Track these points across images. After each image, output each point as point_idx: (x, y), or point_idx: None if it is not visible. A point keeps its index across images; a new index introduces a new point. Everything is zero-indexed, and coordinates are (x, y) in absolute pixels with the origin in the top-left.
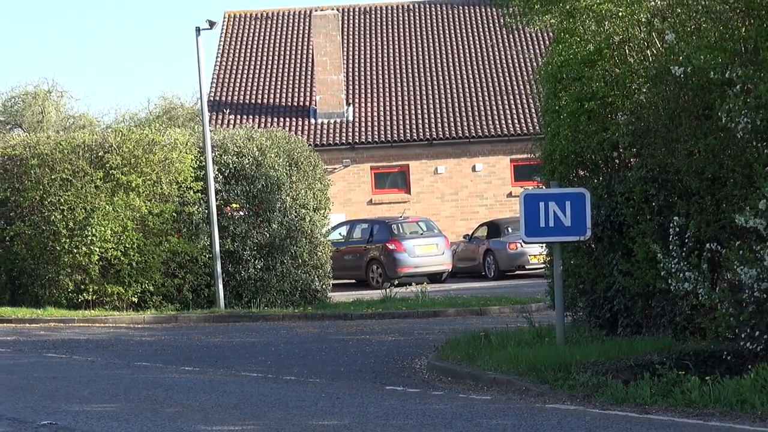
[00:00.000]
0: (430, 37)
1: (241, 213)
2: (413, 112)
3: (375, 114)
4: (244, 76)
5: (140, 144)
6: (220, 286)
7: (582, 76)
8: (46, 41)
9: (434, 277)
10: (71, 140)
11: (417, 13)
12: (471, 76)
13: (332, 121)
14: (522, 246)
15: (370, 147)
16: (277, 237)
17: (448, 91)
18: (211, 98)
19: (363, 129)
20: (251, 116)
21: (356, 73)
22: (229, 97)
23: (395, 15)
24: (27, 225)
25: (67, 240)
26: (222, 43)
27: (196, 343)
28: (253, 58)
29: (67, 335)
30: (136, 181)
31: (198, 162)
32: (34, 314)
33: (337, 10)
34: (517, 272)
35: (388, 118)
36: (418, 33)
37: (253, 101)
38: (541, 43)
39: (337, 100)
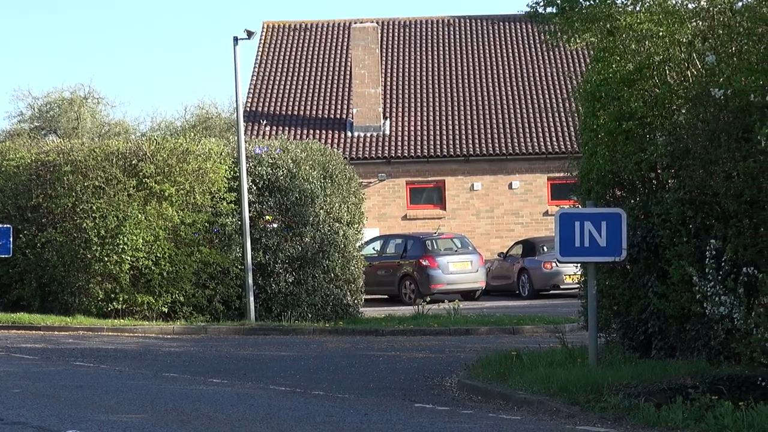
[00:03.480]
0: (469, 52)
1: (275, 225)
2: (450, 127)
3: (412, 128)
4: (281, 87)
5: (174, 153)
6: (251, 299)
7: (621, 96)
8: (84, 48)
9: (468, 295)
10: (105, 147)
11: (457, 29)
12: (509, 93)
13: (369, 134)
14: (557, 265)
15: (407, 161)
16: (310, 250)
17: (486, 107)
18: (248, 108)
19: (399, 143)
20: (287, 128)
21: (394, 87)
22: (266, 108)
23: (435, 29)
24: (58, 232)
25: (99, 248)
26: (260, 54)
27: (225, 355)
28: (291, 70)
29: (95, 344)
30: (169, 190)
31: (232, 173)
32: (63, 322)
33: (377, 23)
34: (551, 291)
35: (425, 132)
36: (458, 48)
37: (289, 113)
38: (581, 61)
39: (374, 113)
